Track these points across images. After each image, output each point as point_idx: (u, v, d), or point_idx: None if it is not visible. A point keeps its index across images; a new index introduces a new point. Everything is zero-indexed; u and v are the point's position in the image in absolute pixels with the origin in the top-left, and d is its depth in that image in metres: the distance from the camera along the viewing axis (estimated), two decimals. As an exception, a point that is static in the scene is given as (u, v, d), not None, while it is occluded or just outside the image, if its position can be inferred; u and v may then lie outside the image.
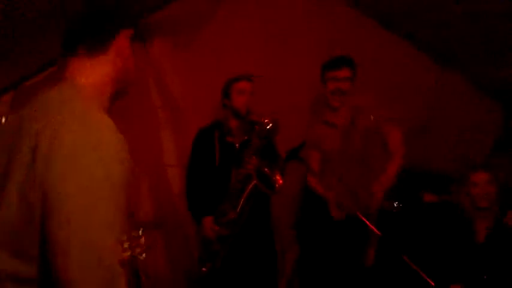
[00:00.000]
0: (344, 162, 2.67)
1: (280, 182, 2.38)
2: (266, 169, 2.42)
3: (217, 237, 2.47)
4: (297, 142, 2.68)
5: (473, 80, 3.38)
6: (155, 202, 3.16)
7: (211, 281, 2.52)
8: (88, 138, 0.95)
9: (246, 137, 2.59)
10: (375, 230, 2.16)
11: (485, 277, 2.31)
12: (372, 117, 2.63)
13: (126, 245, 0.86)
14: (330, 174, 2.69)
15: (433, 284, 1.90)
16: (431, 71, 3.38)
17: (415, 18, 3.01)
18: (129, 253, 0.86)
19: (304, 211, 3.06)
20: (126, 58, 1.18)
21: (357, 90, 2.73)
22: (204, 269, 2.50)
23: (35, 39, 2.38)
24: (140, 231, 0.88)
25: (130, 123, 3.05)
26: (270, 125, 2.39)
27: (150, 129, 3.17)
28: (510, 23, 2.62)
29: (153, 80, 3.16)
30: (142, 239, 0.87)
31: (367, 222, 2.18)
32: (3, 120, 2.53)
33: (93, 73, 1.12)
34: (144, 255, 0.87)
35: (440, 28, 3.03)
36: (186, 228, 3.16)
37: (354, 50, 3.04)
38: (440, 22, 2.96)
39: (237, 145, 2.64)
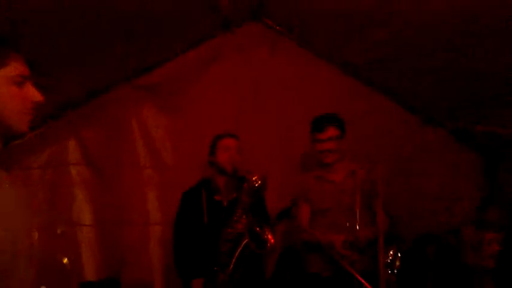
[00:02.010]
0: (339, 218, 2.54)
1: (272, 241, 2.33)
2: (257, 228, 2.36)
3: None
4: (286, 199, 2.67)
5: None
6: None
7: None
8: None
9: (234, 195, 2.54)
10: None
11: None
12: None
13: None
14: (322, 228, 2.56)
15: None
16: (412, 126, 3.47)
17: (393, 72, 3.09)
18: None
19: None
20: None
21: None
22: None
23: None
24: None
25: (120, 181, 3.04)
26: (259, 182, 2.36)
27: (137, 188, 3.12)
28: (490, 79, 2.72)
29: (141, 139, 3.16)
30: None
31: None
32: None
33: None
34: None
35: (418, 83, 3.13)
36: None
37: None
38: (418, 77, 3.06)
39: (225, 203, 2.59)
